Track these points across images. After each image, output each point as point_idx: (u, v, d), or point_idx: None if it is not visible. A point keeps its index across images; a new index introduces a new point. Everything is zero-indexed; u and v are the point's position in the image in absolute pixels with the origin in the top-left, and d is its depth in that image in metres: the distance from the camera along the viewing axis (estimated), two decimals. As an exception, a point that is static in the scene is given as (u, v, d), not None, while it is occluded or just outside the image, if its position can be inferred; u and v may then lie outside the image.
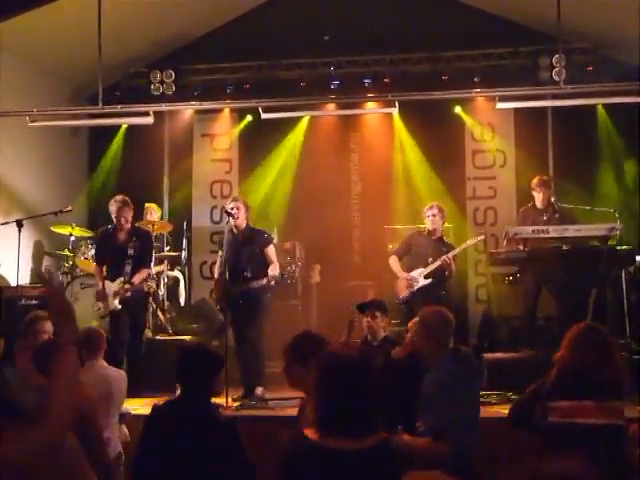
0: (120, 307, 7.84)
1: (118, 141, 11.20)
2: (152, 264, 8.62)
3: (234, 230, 7.88)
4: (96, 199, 10.74)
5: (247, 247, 7.80)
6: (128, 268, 7.92)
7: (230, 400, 7.08)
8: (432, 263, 8.25)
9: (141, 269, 8.05)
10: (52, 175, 10.49)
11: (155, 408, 3.94)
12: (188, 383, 3.91)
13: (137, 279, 7.98)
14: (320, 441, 2.72)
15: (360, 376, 2.79)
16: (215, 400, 4.08)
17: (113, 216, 8.02)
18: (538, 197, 8.47)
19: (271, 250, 7.85)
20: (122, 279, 7.89)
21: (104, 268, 8.13)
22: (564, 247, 7.82)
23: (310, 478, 2.73)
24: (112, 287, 7.91)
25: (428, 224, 8.46)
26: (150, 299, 9.06)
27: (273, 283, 7.56)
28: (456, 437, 4.14)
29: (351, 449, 2.69)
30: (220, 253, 8.10)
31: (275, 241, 9.49)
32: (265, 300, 7.76)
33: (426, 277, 8.26)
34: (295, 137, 10.92)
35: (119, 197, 8.14)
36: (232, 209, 7.80)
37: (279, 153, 10.93)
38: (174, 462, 3.63)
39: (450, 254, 8.23)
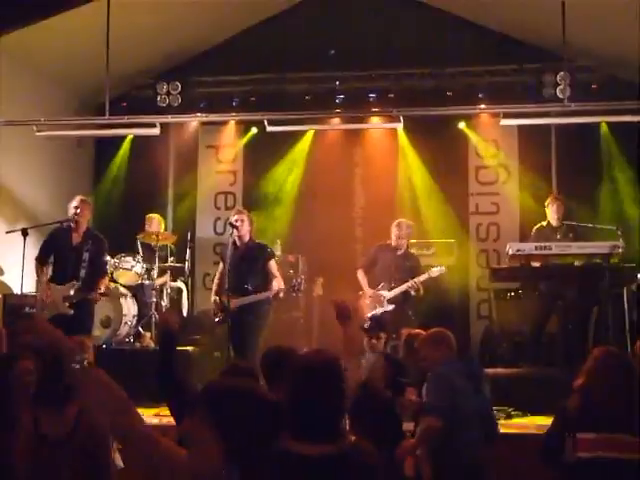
0: (71, 312, 7.60)
1: (124, 151, 11.23)
2: (107, 270, 8.51)
3: (237, 242, 7.88)
4: (101, 209, 10.75)
5: (248, 260, 7.79)
6: (83, 272, 7.72)
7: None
8: (395, 284, 8.46)
9: (103, 276, 7.99)
10: (58, 185, 10.52)
11: None
12: None
13: (103, 287, 7.88)
14: (286, 446, 2.68)
15: (325, 380, 2.78)
16: None
17: (71, 214, 7.88)
18: (552, 215, 8.49)
19: (273, 265, 7.86)
20: (74, 282, 7.67)
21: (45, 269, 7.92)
22: (576, 263, 7.84)
23: None
24: (61, 290, 7.69)
25: (392, 240, 8.70)
26: (153, 309, 9.08)
27: (282, 295, 7.63)
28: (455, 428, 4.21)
29: (315, 454, 2.67)
30: (220, 266, 8.09)
31: (279, 253, 9.55)
32: (264, 313, 7.74)
33: (389, 301, 8.48)
34: (300, 150, 10.94)
35: (80, 197, 8.07)
36: (236, 221, 7.82)
37: (283, 166, 10.95)
38: None
39: (417, 279, 8.40)
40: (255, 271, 7.78)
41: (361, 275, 8.78)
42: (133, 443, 2.49)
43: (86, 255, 7.77)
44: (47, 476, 3.59)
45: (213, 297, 8.01)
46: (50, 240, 8.08)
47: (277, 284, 7.62)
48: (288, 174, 10.94)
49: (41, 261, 7.97)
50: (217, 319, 7.91)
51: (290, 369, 2.92)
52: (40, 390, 3.70)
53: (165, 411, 5.59)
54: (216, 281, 8.13)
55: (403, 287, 8.41)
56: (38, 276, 8.00)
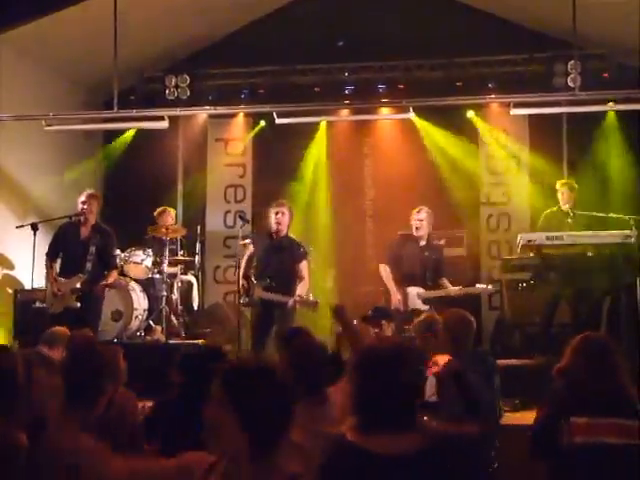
0: (79, 305, 7.67)
1: (124, 143, 11.19)
2: (117, 264, 8.53)
3: (273, 234, 7.79)
4: (110, 203, 10.75)
5: (279, 255, 7.69)
6: (89, 265, 7.76)
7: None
8: (432, 283, 8.07)
9: (112, 269, 8.04)
10: (67, 178, 10.54)
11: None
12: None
13: (111, 279, 7.95)
14: (360, 442, 2.59)
15: (396, 370, 2.63)
16: None
17: (79, 209, 7.95)
18: (563, 199, 8.43)
19: (304, 266, 7.69)
20: (81, 275, 7.73)
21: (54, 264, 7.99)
22: (589, 254, 7.79)
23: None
24: (67, 283, 7.75)
25: (414, 229, 8.32)
26: (163, 303, 9.10)
27: (297, 305, 7.43)
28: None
29: (395, 453, 2.54)
30: (251, 248, 7.98)
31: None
32: (290, 310, 7.58)
33: (424, 301, 8.01)
34: (309, 142, 10.92)
35: (89, 191, 8.14)
36: (277, 213, 7.73)
37: (293, 158, 10.93)
38: None
39: (463, 291, 8.05)
40: (283, 268, 7.66)
41: (386, 271, 8.28)
42: None
43: (93, 248, 7.83)
44: None
45: (241, 280, 7.80)
46: (59, 235, 8.14)
47: (301, 289, 7.47)
48: (297, 166, 10.90)
49: (51, 256, 8.02)
50: (242, 301, 7.82)
51: (357, 361, 2.77)
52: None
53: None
54: (244, 264, 7.96)
55: (441, 292, 8.00)
56: (47, 271, 8.04)
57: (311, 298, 7.42)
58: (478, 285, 8.50)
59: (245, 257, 8.03)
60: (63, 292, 7.73)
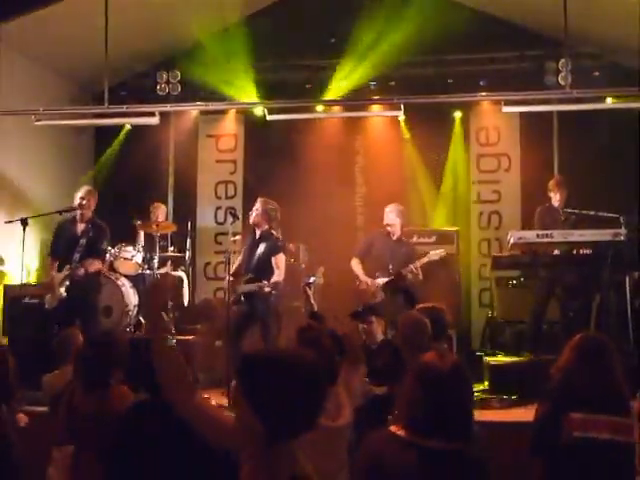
0: (65, 294, 7.72)
1: (119, 141, 11.21)
2: (105, 257, 8.54)
3: (256, 231, 8.08)
4: (100, 198, 10.73)
5: (258, 249, 7.96)
6: (77, 256, 7.80)
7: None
8: (393, 270, 8.26)
9: (96, 258, 7.98)
10: (57, 174, 10.52)
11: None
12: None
13: (89, 266, 7.87)
14: (412, 439, 2.79)
15: (456, 385, 2.88)
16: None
17: (77, 204, 7.99)
18: (555, 197, 8.48)
19: (280, 258, 7.93)
20: (68, 266, 7.78)
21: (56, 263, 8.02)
22: (574, 251, 7.83)
23: (400, 476, 2.78)
24: (59, 276, 7.81)
25: (385, 225, 8.61)
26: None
27: (267, 290, 7.60)
28: None
29: (446, 448, 2.76)
30: (244, 248, 8.30)
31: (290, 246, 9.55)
32: (270, 303, 7.84)
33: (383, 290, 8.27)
34: (301, 138, 10.90)
35: (87, 187, 8.23)
36: (251, 210, 8.06)
37: (283, 154, 10.91)
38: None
39: (417, 263, 8.30)
40: (260, 262, 7.92)
41: (355, 264, 8.64)
42: (197, 421, 2.70)
43: (83, 241, 7.87)
44: None
45: (228, 277, 7.99)
46: (58, 233, 8.20)
47: (276, 278, 7.72)
48: (288, 162, 10.87)
49: (54, 256, 8.11)
50: (232, 298, 7.95)
51: (414, 374, 2.97)
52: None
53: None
54: (237, 262, 8.29)
55: (401, 272, 8.28)
56: (49, 270, 8.10)
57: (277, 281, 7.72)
58: (432, 252, 8.58)
59: (237, 261, 8.30)
60: (54, 285, 7.76)
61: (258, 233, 8.05)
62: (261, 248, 7.94)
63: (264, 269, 7.85)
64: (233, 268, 8.12)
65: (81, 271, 7.80)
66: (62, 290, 7.74)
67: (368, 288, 8.42)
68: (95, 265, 8.02)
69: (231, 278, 7.94)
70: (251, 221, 8.07)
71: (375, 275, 8.46)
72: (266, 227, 8.03)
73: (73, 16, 8.99)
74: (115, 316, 8.96)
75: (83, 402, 4.29)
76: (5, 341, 8.09)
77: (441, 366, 2.89)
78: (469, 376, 2.97)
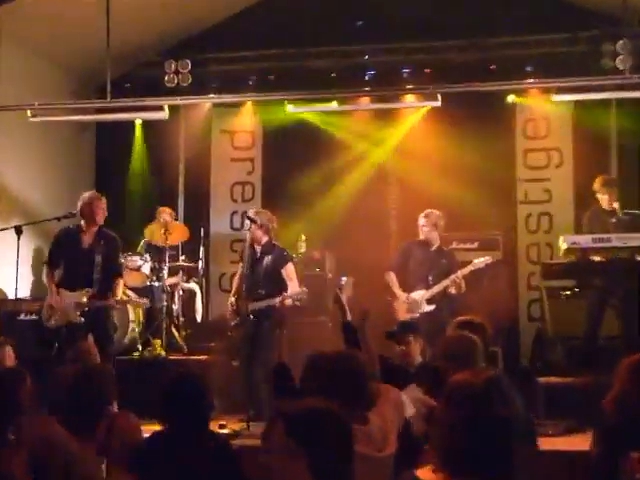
0: (82, 320, 7.63)
1: (138, 140, 11.26)
2: (123, 272, 8.50)
3: (255, 246, 8.09)
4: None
5: (263, 263, 8.00)
6: (96, 277, 7.72)
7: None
8: (433, 282, 8.32)
9: (117, 279, 7.95)
10: (55, 176, 10.56)
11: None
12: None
13: (118, 291, 7.90)
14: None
15: (491, 407, 2.61)
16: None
17: (80, 212, 7.93)
18: (603, 199, 8.35)
19: (288, 269, 8.00)
20: (88, 290, 7.67)
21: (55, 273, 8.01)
22: (638, 258, 7.73)
23: None
24: (71, 296, 7.70)
25: (422, 234, 8.63)
26: (164, 314, 9.09)
27: (290, 302, 7.74)
28: None
29: None
30: (240, 265, 8.33)
31: (303, 250, 9.54)
32: (280, 319, 7.95)
33: (429, 301, 8.33)
34: (323, 133, 10.87)
35: (91, 193, 8.12)
36: (249, 227, 8.05)
37: (306, 152, 10.88)
38: None
39: (459, 273, 8.27)
40: (268, 276, 7.97)
41: (391, 278, 8.60)
42: None
43: (99, 258, 7.78)
44: None
45: (230, 298, 8.19)
46: (58, 243, 8.13)
47: (290, 290, 7.78)
48: (311, 160, 10.84)
49: (51, 265, 8.05)
50: (233, 322, 8.08)
51: (450, 394, 2.76)
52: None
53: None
54: (235, 281, 8.36)
55: (443, 284, 8.27)
56: (48, 281, 8.04)
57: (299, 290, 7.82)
58: (475, 260, 8.53)
59: (237, 275, 8.39)
60: (66, 305, 7.68)
61: (259, 249, 8.09)
62: (266, 262, 8.00)
63: (275, 283, 7.91)
64: (233, 288, 8.27)
65: (114, 304, 7.83)
66: (77, 314, 7.61)
67: (407, 305, 8.38)
68: (121, 286, 8.03)
69: (232, 300, 8.11)
70: (248, 240, 8.10)
71: (413, 289, 8.44)
72: (266, 239, 8.07)
73: (72, 1, 9.03)
74: (120, 334, 8.96)
75: None
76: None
77: (474, 381, 2.70)
78: (513, 393, 2.72)
